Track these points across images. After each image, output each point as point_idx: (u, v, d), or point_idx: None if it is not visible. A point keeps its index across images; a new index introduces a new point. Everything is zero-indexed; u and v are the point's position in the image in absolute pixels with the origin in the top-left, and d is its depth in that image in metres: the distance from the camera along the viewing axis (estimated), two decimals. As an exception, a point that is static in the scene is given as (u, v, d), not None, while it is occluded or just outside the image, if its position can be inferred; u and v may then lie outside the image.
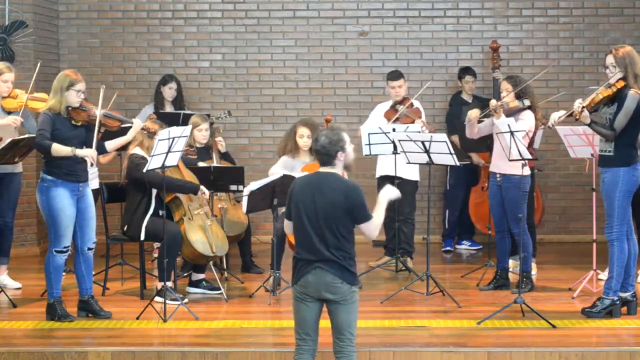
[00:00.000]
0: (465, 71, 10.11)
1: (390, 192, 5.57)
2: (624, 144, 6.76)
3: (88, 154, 6.82)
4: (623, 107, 6.68)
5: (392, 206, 8.32)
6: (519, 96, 7.72)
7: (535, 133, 8.34)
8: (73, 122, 6.88)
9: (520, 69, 10.43)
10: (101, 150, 7.12)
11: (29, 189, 9.38)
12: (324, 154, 5.39)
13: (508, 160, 7.30)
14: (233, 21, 10.77)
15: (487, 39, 10.46)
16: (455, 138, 9.58)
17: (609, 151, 6.82)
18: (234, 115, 10.30)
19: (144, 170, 7.17)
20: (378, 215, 5.44)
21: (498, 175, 7.78)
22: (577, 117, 6.63)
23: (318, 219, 5.29)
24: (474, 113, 7.84)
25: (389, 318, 7.06)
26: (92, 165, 7.00)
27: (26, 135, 7.43)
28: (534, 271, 8.49)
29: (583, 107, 6.61)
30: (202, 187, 7.65)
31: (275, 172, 8.19)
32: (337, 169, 5.44)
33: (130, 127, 7.22)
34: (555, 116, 6.92)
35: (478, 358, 6.20)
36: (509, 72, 9.65)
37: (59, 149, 6.76)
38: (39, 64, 8.05)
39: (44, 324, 6.95)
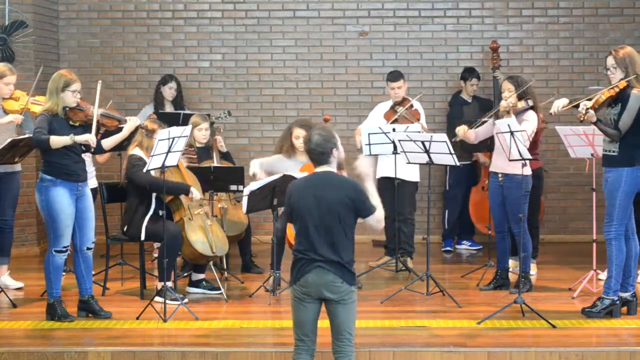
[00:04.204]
0: (470, 73, 10.06)
1: (364, 165, 5.59)
2: (628, 144, 6.76)
3: (88, 138, 6.78)
4: (627, 108, 6.68)
5: (392, 206, 8.36)
6: (520, 97, 7.70)
7: (539, 133, 8.33)
8: (71, 122, 6.87)
9: (520, 69, 10.44)
10: (99, 149, 7.10)
11: (29, 189, 9.37)
12: (320, 152, 5.39)
13: (508, 160, 7.29)
14: (233, 21, 10.77)
15: (487, 39, 10.45)
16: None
17: (614, 151, 6.82)
18: (234, 115, 10.30)
19: (144, 171, 7.17)
20: (376, 202, 5.45)
21: (500, 175, 7.76)
22: (582, 118, 6.62)
23: (322, 218, 5.28)
24: (461, 130, 7.83)
25: (389, 318, 7.06)
26: (92, 151, 7.01)
27: (26, 135, 7.43)
28: (533, 271, 8.49)
29: (587, 109, 6.61)
30: (192, 189, 7.57)
31: (266, 162, 8.35)
32: (333, 167, 5.44)
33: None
34: (560, 104, 6.89)
35: (478, 358, 6.20)
36: (509, 72, 9.65)
37: (57, 140, 6.73)
38: (41, 68, 8.04)
39: (44, 324, 6.95)
